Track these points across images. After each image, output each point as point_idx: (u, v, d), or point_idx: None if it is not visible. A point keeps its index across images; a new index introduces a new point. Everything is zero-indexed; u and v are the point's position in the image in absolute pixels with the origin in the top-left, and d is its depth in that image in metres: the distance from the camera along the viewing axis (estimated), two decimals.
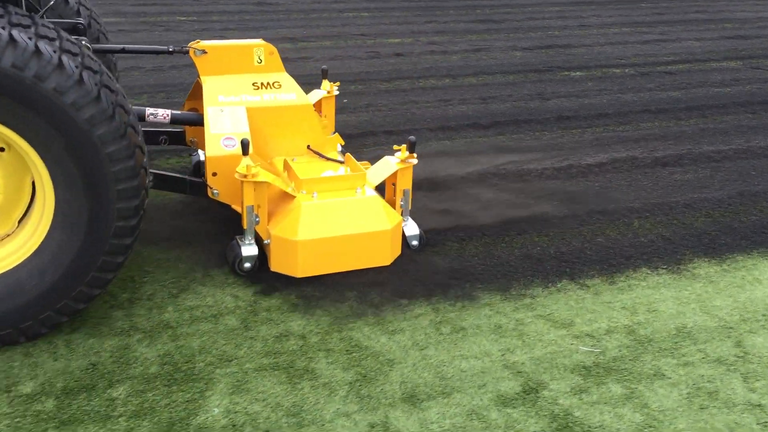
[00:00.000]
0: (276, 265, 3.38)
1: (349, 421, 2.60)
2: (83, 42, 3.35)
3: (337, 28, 9.22)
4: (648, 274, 3.64)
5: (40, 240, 2.80)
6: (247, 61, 3.85)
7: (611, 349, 3.05)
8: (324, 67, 4.64)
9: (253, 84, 3.82)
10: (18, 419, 2.53)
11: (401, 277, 3.52)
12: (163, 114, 3.84)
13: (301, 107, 3.86)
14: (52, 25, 2.73)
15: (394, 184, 3.65)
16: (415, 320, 3.21)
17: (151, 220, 3.87)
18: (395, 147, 3.62)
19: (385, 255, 3.50)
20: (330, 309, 3.25)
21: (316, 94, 4.54)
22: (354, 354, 2.96)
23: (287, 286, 3.38)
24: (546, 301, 3.38)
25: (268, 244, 3.37)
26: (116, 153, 2.69)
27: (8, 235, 2.94)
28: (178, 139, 4.20)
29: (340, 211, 3.41)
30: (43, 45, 2.55)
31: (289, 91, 3.87)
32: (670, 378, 2.88)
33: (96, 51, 3.73)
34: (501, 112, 6.10)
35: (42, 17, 3.04)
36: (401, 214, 3.65)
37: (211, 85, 3.74)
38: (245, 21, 9.40)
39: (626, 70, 7.61)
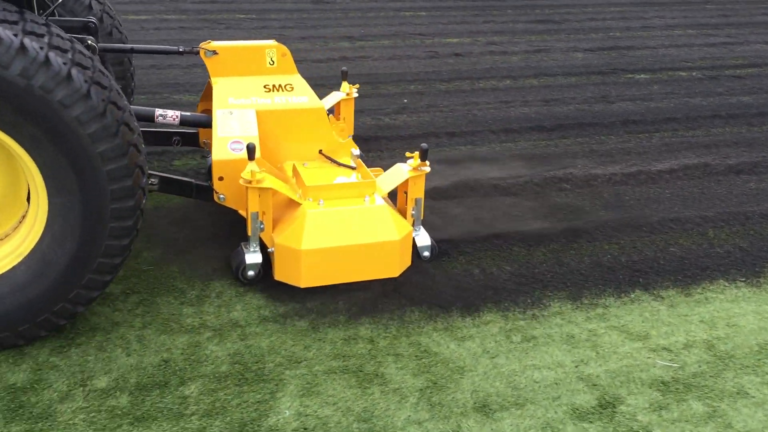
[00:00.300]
0: (280, 274, 3.26)
1: (420, 429, 2.55)
2: (89, 41, 3.35)
3: (395, 28, 9.18)
4: (726, 286, 3.50)
5: (35, 241, 2.73)
6: (258, 63, 3.75)
7: (690, 364, 2.94)
8: (344, 68, 4.54)
9: (264, 86, 3.70)
10: (93, 414, 2.56)
11: (469, 283, 3.46)
12: (172, 115, 3.75)
13: (313, 111, 3.72)
14: (42, 21, 2.66)
15: (405, 193, 3.50)
16: (485, 327, 3.14)
17: (220, 217, 3.89)
18: (407, 154, 3.50)
19: (394, 266, 3.34)
20: (397, 313, 3.21)
21: (334, 97, 4.47)
22: (423, 360, 2.92)
23: (356, 289, 3.35)
24: (619, 312, 3.28)
25: (272, 252, 3.25)
26: (108, 151, 2.60)
27: (7, 236, 2.88)
28: (191, 140, 4.13)
29: (346, 219, 3.26)
30: (28, 41, 2.45)
31: (301, 94, 3.73)
32: (754, 397, 2.76)
33: (104, 50, 3.70)
34: (564, 115, 5.98)
35: (44, 14, 3.02)
36: (413, 224, 3.51)
37: (221, 87, 3.66)
38: (303, 19, 9.43)
39: (693, 74, 7.38)
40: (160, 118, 3.73)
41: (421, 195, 3.49)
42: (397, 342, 3.02)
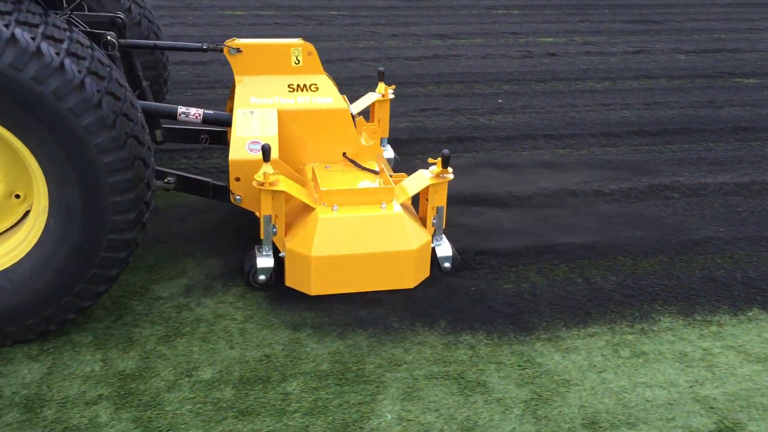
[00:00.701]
0: (290, 280, 3.19)
1: None
2: (109, 37, 3.36)
3: (487, 26, 9.04)
4: None
5: (38, 235, 2.71)
6: (283, 62, 3.64)
7: None
8: (381, 68, 4.42)
9: (288, 86, 3.60)
10: (199, 405, 2.59)
11: (572, 292, 3.34)
12: (195, 113, 3.67)
13: (336, 112, 3.59)
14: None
15: (427, 200, 3.35)
16: (591, 339, 3.02)
17: None
18: (430, 160, 3.34)
19: (408, 277, 3.23)
20: (499, 320, 3.12)
21: (369, 98, 4.36)
22: (527, 370, 2.82)
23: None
24: (736, 331, 3.09)
25: (284, 258, 3.18)
26: (105, 143, 2.56)
27: (10, 228, 2.88)
28: (219, 138, 4.07)
29: (360, 226, 3.15)
30: (45, 46, 2.46)
31: (325, 95, 3.61)
32: None
33: (128, 46, 3.68)
34: (668, 120, 5.73)
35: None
36: (433, 234, 3.37)
37: (244, 86, 3.59)
38: (394, 17, 9.41)
39: None
40: (183, 115, 3.67)
41: (442, 203, 3.32)
42: (499, 350, 2.94)
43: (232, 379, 2.72)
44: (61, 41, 2.54)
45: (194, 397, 2.62)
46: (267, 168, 3.05)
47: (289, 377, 2.74)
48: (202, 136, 4.03)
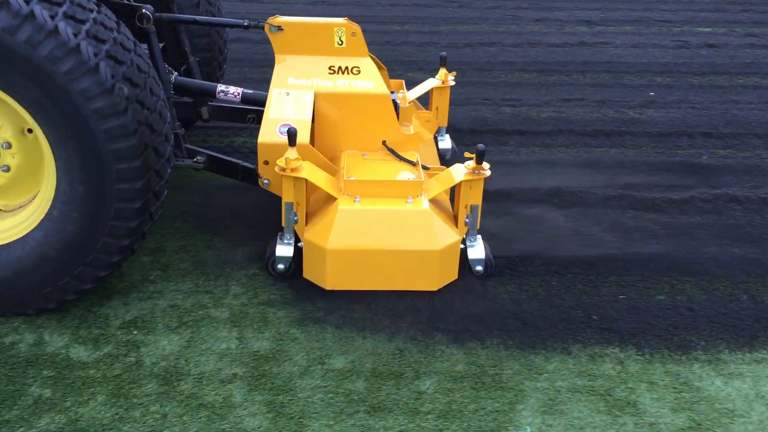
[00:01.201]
0: (307, 272, 3.08)
1: None
2: (144, 10, 3.26)
3: (638, 13, 8.50)
4: None
5: (43, 214, 2.70)
6: (326, 42, 3.43)
7: None
8: (443, 53, 4.17)
9: (329, 67, 3.41)
10: (331, 395, 2.52)
11: (735, 310, 3.01)
12: (234, 92, 3.61)
13: (377, 97, 3.38)
14: None
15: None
16: (758, 366, 2.70)
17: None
18: (466, 154, 3.06)
19: (431, 279, 3.03)
20: (651, 334, 2.86)
21: (428, 84, 4.10)
22: (684, 394, 2.56)
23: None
24: None
25: (302, 248, 3.06)
26: (114, 130, 2.50)
27: (21, 207, 2.86)
28: None
29: (381, 221, 2.98)
30: (38, 8, 2.38)
31: (367, 79, 3.40)
32: None
33: (168, 21, 3.57)
34: None
35: None
36: (466, 233, 3.12)
37: (283, 66, 3.43)
38: (537, 0, 9.03)
39: None
40: (222, 94, 3.61)
41: (477, 201, 3.06)
42: (651, 368, 2.68)
43: (364, 371, 2.63)
44: (82, 21, 2.50)
45: (326, 386, 2.56)
46: (291, 153, 2.93)
47: (423, 375, 2.62)
48: (249, 116, 3.92)
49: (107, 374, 2.58)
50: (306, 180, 2.97)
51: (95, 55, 2.46)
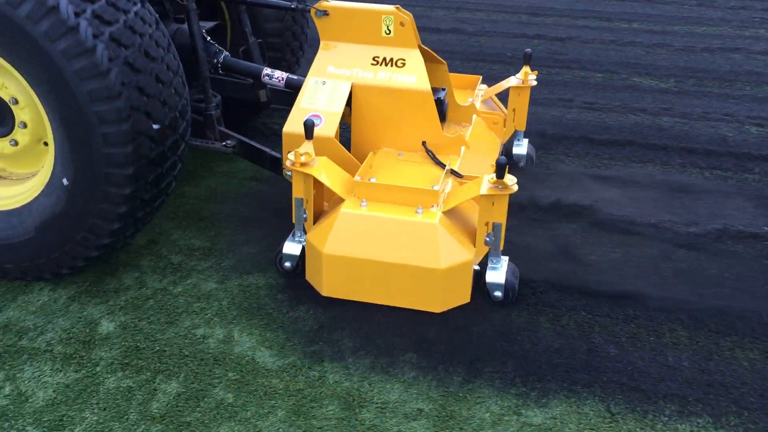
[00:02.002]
0: (308, 274, 2.90)
1: None
2: None
3: None
4: None
5: (47, 177, 2.68)
6: (373, 31, 3.17)
7: None
8: (528, 50, 3.77)
9: (373, 58, 3.18)
10: None
11: None
12: (279, 77, 3.43)
13: (416, 93, 3.12)
14: None
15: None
16: None
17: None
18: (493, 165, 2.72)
19: (434, 299, 2.74)
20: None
21: (506, 82, 3.75)
22: None
23: None
24: None
25: (305, 248, 2.89)
26: (97, 91, 2.43)
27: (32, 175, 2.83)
28: None
29: (384, 229, 2.73)
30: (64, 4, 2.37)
31: (410, 73, 3.14)
32: None
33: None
34: None
35: None
36: (488, 253, 2.78)
37: (325, 53, 3.23)
38: None
39: None
40: (266, 78, 3.47)
41: (500, 219, 2.72)
42: None
43: (566, 430, 2.28)
44: (91, 1, 2.48)
45: None
46: (306, 146, 2.78)
47: None
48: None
49: (290, 387, 2.45)
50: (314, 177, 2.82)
51: (95, 36, 2.44)
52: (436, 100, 3.19)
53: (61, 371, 2.50)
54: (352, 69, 3.20)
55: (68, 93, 2.47)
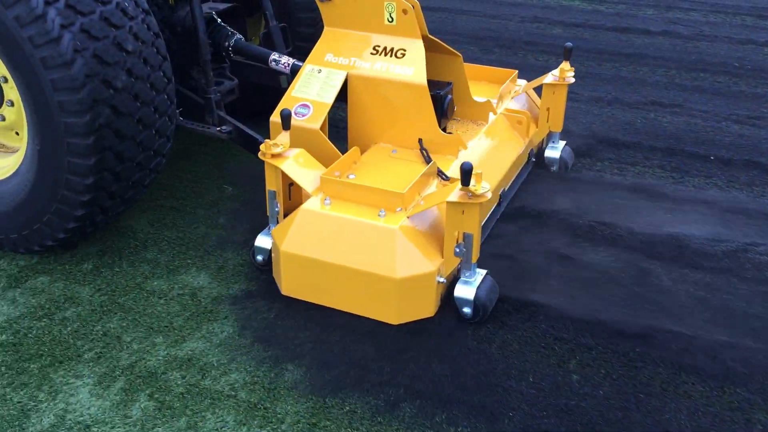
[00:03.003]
0: (274, 270, 2.83)
1: None
2: None
3: None
4: None
5: (21, 157, 2.80)
6: (375, 18, 3.03)
7: None
8: (568, 44, 3.48)
9: (374, 47, 3.05)
10: None
11: None
12: (285, 62, 3.36)
13: (410, 86, 2.98)
14: None
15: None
16: None
17: None
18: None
19: (389, 310, 2.58)
20: None
21: (544, 78, 3.51)
22: None
23: None
24: None
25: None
26: (60, 81, 2.47)
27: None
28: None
29: (342, 230, 2.62)
30: None
31: (408, 64, 2.99)
32: None
33: None
34: None
35: None
36: (459, 265, 2.60)
37: (327, 39, 3.15)
38: None
39: None
40: (273, 63, 3.41)
41: (471, 230, 2.51)
42: None
43: None
44: (85, 14, 2.47)
45: None
46: (282, 137, 2.74)
47: None
48: None
49: None
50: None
51: (62, 26, 2.43)
52: (434, 96, 3.05)
53: (244, 425, 2.25)
54: (350, 58, 3.08)
55: (35, 80, 2.52)
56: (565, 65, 3.52)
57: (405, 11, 2.99)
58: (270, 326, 2.63)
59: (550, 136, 3.69)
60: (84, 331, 2.62)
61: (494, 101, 3.45)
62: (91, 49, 2.49)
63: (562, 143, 3.73)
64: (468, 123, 3.39)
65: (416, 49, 3.03)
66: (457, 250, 2.57)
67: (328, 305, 2.70)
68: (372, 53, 3.07)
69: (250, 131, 3.28)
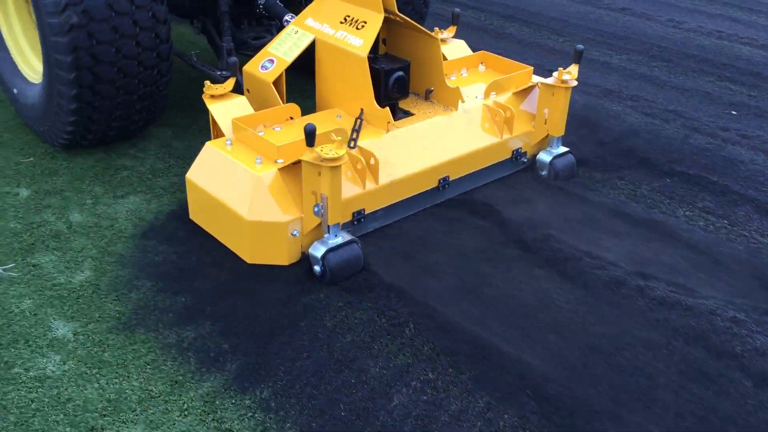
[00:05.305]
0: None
1: None
2: None
3: None
4: None
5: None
6: None
7: None
8: (579, 46, 3.31)
9: (345, 17, 3.21)
10: None
11: None
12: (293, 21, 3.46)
13: (353, 57, 3.08)
14: None
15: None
16: None
17: None
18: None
19: (243, 248, 2.81)
20: None
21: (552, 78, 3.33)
22: None
23: None
24: None
25: None
26: (52, 27, 3.07)
27: None
28: None
29: (224, 168, 2.86)
30: None
31: (360, 36, 3.09)
32: None
33: None
34: None
35: None
36: (320, 224, 2.68)
37: (314, 5, 3.37)
38: None
39: None
40: (286, 22, 3.57)
41: (326, 191, 2.58)
42: None
43: None
44: None
45: None
46: (228, 84, 3.15)
47: None
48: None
49: None
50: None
51: None
52: (378, 69, 3.12)
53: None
54: (323, 24, 3.27)
55: (41, 21, 3.18)
56: (573, 68, 3.34)
57: None
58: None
59: (549, 140, 3.49)
60: None
61: (477, 91, 3.41)
62: (82, 5, 3.06)
63: (562, 150, 3.49)
64: (438, 106, 3.36)
65: (373, 22, 3.12)
66: (316, 209, 2.65)
67: (214, 235, 2.96)
68: (341, 22, 3.22)
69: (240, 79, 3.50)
